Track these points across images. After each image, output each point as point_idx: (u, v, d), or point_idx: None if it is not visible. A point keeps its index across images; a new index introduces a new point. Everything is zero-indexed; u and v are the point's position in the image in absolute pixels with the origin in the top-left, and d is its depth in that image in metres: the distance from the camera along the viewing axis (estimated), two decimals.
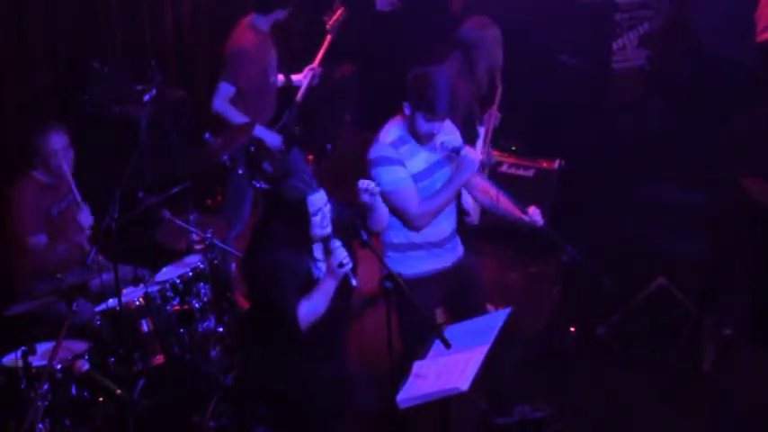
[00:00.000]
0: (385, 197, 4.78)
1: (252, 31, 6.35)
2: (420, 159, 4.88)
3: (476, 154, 4.85)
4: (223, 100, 6.26)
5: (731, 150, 6.23)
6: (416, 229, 4.92)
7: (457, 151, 4.84)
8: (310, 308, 4.36)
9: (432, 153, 4.91)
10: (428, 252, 4.99)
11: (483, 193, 5.16)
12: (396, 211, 4.87)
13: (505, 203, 5.11)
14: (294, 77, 6.77)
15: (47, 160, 5.57)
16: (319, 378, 4.54)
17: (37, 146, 5.58)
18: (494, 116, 6.14)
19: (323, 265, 4.48)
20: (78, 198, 5.64)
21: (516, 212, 5.08)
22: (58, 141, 5.57)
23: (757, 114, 6.27)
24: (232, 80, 6.26)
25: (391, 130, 4.88)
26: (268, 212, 4.54)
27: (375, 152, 4.84)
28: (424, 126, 4.79)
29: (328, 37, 6.67)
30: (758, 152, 6.20)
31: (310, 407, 4.57)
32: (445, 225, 5.02)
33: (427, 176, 4.89)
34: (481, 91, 5.99)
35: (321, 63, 6.67)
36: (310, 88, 6.68)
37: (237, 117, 6.25)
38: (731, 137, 6.29)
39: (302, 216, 4.36)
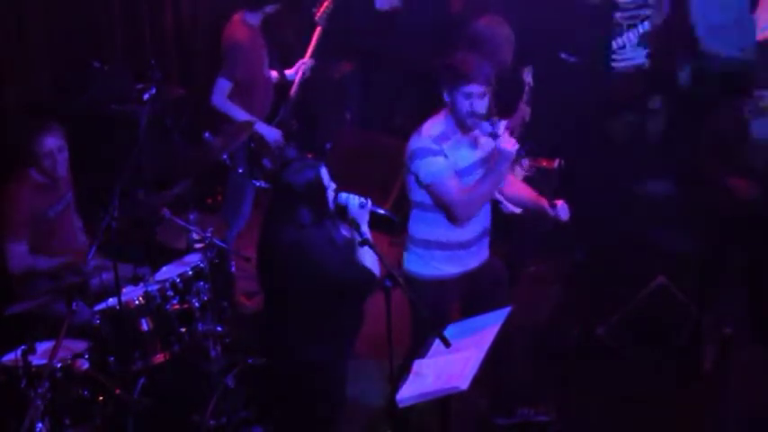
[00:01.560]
0: (430, 190, 4.81)
1: (244, 26, 6.40)
2: (463, 156, 4.87)
3: (512, 143, 4.80)
4: (222, 95, 6.31)
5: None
6: (460, 221, 4.87)
7: (495, 135, 4.80)
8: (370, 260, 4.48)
9: (474, 150, 4.90)
10: (453, 254, 4.97)
11: (509, 185, 5.18)
12: (439, 204, 4.85)
13: (526, 190, 5.15)
14: (287, 72, 6.79)
15: (41, 160, 5.55)
16: (339, 363, 4.65)
17: (31, 145, 5.55)
18: (522, 110, 6.17)
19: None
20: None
21: (543, 203, 5.08)
22: (52, 141, 5.55)
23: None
24: (229, 75, 6.31)
25: (435, 125, 4.87)
26: (286, 202, 4.56)
27: (416, 143, 4.83)
28: (464, 105, 4.76)
29: (318, 29, 6.70)
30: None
31: (321, 395, 4.64)
32: (475, 225, 5.00)
33: (470, 173, 4.88)
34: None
35: (313, 55, 6.70)
36: (306, 83, 6.70)
37: (237, 112, 6.29)
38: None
39: (321, 191, 4.49)
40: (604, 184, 7.65)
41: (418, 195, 4.90)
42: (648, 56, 8.35)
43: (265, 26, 6.61)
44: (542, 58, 7.90)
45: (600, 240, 7.04)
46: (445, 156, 4.79)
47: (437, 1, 8.44)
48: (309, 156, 4.81)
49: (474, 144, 4.91)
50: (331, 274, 4.48)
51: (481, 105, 4.79)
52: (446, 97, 4.82)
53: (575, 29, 7.98)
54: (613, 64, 8.31)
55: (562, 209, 5.04)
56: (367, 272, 4.49)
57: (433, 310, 4.68)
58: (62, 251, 5.67)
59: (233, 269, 6.37)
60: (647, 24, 8.27)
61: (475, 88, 4.75)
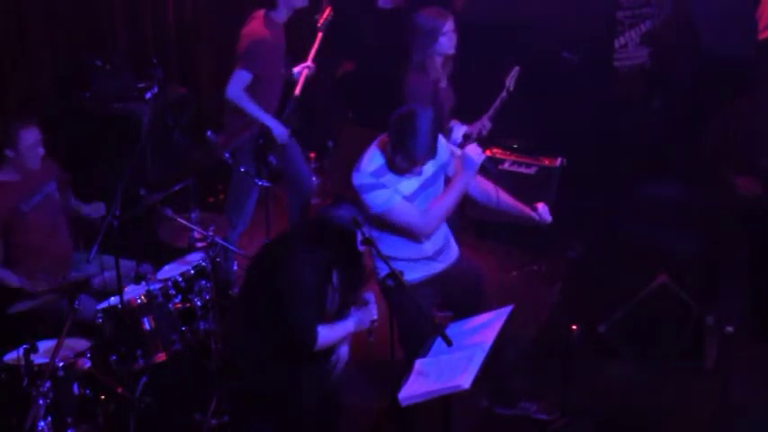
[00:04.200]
0: (382, 219, 4.79)
1: (268, 23, 6.38)
2: (408, 184, 4.81)
3: (477, 152, 4.80)
4: (239, 87, 6.25)
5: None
6: (425, 237, 4.88)
7: (461, 145, 4.80)
8: (327, 337, 4.57)
9: (417, 177, 4.82)
10: (422, 263, 4.97)
11: (482, 192, 5.10)
12: (399, 230, 4.84)
13: (507, 200, 5.09)
14: (294, 70, 6.79)
15: (18, 154, 5.50)
16: (309, 378, 4.64)
17: (8, 138, 5.49)
18: (480, 123, 6.17)
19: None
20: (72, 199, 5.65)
21: (525, 209, 5.06)
22: (29, 136, 5.50)
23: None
24: (250, 68, 6.26)
25: (374, 158, 4.80)
26: (318, 232, 4.58)
27: (357, 180, 4.78)
28: (402, 165, 4.73)
29: (319, 35, 6.70)
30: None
31: (299, 407, 4.63)
32: (438, 236, 4.98)
33: (416, 197, 4.84)
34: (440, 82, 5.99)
35: (314, 60, 6.69)
36: (307, 84, 6.70)
37: (250, 105, 6.26)
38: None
39: (351, 247, 4.50)
40: (606, 183, 7.65)
41: (375, 221, 4.87)
42: (650, 55, 8.36)
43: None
44: (544, 56, 7.93)
45: (601, 239, 7.03)
46: (387, 187, 4.75)
47: None
48: (312, 157, 4.74)
49: (418, 171, 4.81)
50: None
51: (420, 171, 4.77)
52: (388, 147, 4.73)
53: (577, 27, 7.99)
54: (615, 63, 8.32)
55: (544, 211, 5.03)
56: (312, 341, 4.52)
57: (413, 310, 4.68)
58: (41, 250, 5.63)
59: (235, 268, 6.38)
60: (648, 23, 8.28)
61: (413, 165, 4.71)
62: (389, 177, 4.77)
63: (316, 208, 6.87)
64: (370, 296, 4.74)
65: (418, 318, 4.60)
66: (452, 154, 4.98)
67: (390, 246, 4.83)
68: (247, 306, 4.75)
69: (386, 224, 4.81)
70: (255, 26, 6.37)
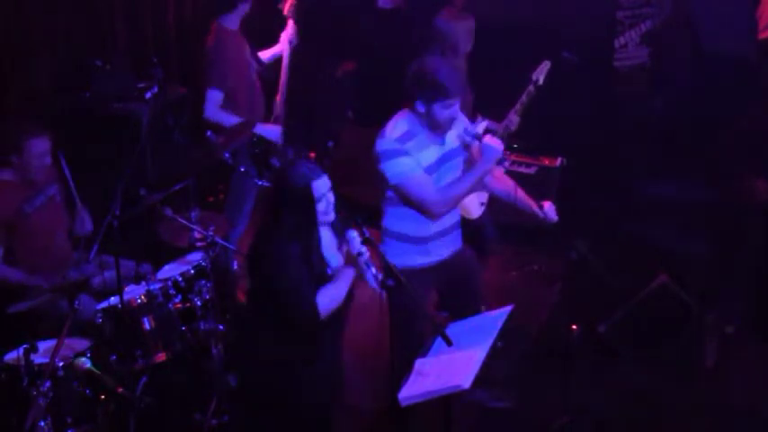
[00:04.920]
0: (398, 191, 4.80)
1: (224, 32, 6.34)
2: (430, 153, 4.85)
3: (497, 142, 4.82)
4: (215, 107, 6.20)
5: (735, 150, 6.24)
6: (434, 217, 4.88)
7: (479, 138, 4.82)
8: (330, 296, 4.41)
9: (441, 147, 4.89)
10: (426, 246, 4.98)
11: (501, 184, 5.16)
12: (411, 202, 4.85)
13: (523, 196, 5.11)
14: (263, 55, 6.74)
15: (22, 161, 5.49)
16: (310, 375, 4.56)
17: (17, 145, 5.48)
18: (509, 120, 6.16)
19: (334, 260, 4.52)
20: (78, 203, 5.64)
21: (534, 207, 5.08)
22: (39, 145, 5.49)
23: (758, 114, 6.28)
24: (219, 85, 6.21)
25: (398, 125, 4.84)
26: (275, 204, 4.50)
27: (380, 146, 4.82)
28: (443, 114, 4.75)
29: (290, 22, 6.69)
30: (760, 152, 6.21)
31: (297, 404, 4.59)
32: (449, 216, 5.00)
33: (437, 168, 4.87)
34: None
35: (292, 43, 6.67)
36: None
37: (232, 120, 6.23)
38: (734, 137, 6.30)
39: (308, 203, 4.37)
40: (606, 183, 7.65)
41: (389, 191, 4.91)
42: (650, 55, 8.36)
43: (244, 27, 6.56)
44: (544, 56, 7.93)
45: (601, 239, 7.03)
46: (409, 155, 4.77)
47: None
48: (312, 157, 4.73)
49: (440, 141, 4.88)
50: (289, 296, 4.41)
51: (457, 110, 4.80)
52: (420, 107, 4.76)
53: (577, 27, 7.99)
54: (615, 63, 8.33)
55: (550, 210, 5.05)
56: (314, 312, 4.40)
57: (411, 301, 4.69)
58: (41, 252, 5.62)
59: (235, 267, 6.38)
60: (648, 23, 8.28)
61: (453, 101, 4.75)
62: (414, 144, 4.79)
63: None
64: (350, 233, 4.48)
65: (417, 317, 4.59)
66: (471, 143, 4.99)
67: (398, 221, 4.88)
68: (253, 304, 4.71)
69: (401, 196, 4.83)
70: (212, 40, 6.32)
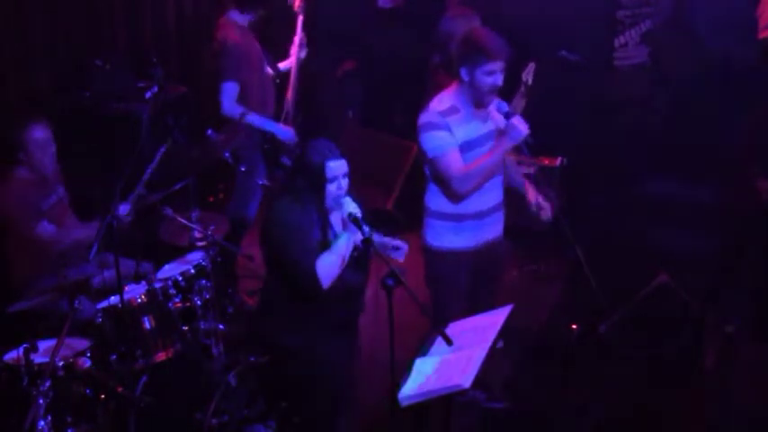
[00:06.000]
0: (432, 165, 4.86)
1: (235, 26, 6.34)
2: (471, 128, 4.91)
3: (524, 124, 4.85)
4: (231, 101, 6.20)
5: (736, 150, 6.24)
6: (458, 196, 4.93)
7: (508, 116, 4.85)
8: (328, 262, 4.43)
9: (485, 123, 4.94)
10: (466, 225, 5.02)
11: (518, 177, 5.25)
12: (439, 178, 4.91)
13: (530, 191, 5.19)
14: (281, 65, 6.77)
15: (30, 152, 5.54)
16: (328, 353, 4.61)
17: (18, 141, 5.54)
18: (516, 103, 6.17)
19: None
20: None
21: (530, 198, 5.13)
22: (40, 133, 5.55)
23: (758, 113, 6.28)
24: (233, 76, 6.21)
25: (444, 99, 4.93)
26: (292, 171, 4.62)
27: (423, 118, 4.91)
28: (487, 81, 4.81)
29: (300, 18, 6.70)
30: (761, 152, 6.21)
31: (315, 386, 4.62)
32: (491, 195, 5.06)
33: (480, 145, 4.92)
34: None
35: (302, 44, 6.68)
36: (306, 76, 6.70)
37: (250, 117, 6.22)
38: (740, 136, 6.30)
39: (319, 179, 4.42)
40: (606, 183, 7.65)
41: (426, 167, 5.00)
42: (650, 54, 8.35)
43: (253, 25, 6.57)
44: (544, 56, 7.93)
45: (602, 239, 7.03)
46: (449, 130, 4.83)
47: None
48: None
49: (485, 117, 4.96)
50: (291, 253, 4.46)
51: (501, 79, 4.85)
52: (464, 75, 4.84)
53: (576, 26, 7.98)
54: (615, 62, 8.32)
55: (544, 209, 5.07)
56: (316, 283, 4.43)
57: (448, 282, 4.72)
58: (47, 250, 5.60)
59: (236, 267, 6.39)
60: (648, 23, 8.27)
61: (496, 65, 4.79)
62: (456, 118, 4.87)
63: None
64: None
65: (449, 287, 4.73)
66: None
67: (437, 197, 4.97)
68: (267, 273, 4.75)
69: (432, 172, 4.92)
70: (223, 33, 6.30)
